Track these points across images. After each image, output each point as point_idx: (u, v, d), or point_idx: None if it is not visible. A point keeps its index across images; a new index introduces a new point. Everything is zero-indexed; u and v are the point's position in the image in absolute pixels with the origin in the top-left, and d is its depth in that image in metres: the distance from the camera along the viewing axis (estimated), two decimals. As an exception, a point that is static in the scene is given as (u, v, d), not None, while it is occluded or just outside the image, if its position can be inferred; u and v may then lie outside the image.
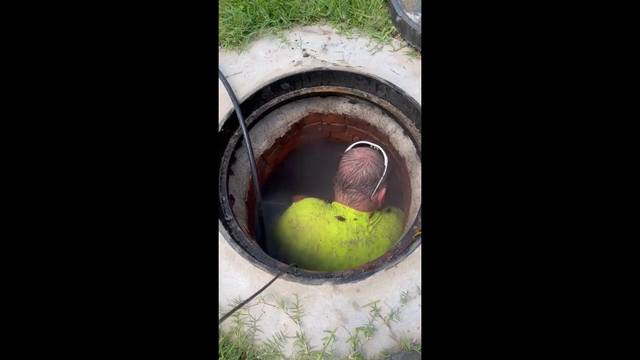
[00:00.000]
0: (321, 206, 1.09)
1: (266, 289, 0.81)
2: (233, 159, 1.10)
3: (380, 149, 1.10)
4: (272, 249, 1.14)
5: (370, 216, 1.08)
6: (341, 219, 1.05)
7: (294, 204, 1.14)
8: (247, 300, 0.65)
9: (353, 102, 1.18)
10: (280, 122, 1.21)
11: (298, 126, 1.25)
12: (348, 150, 1.12)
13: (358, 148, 1.11)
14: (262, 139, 1.19)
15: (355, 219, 1.05)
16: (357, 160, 1.05)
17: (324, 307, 0.80)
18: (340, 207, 1.08)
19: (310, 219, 1.05)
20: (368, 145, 1.12)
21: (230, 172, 1.08)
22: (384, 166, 1.07)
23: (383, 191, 1.07)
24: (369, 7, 1.16)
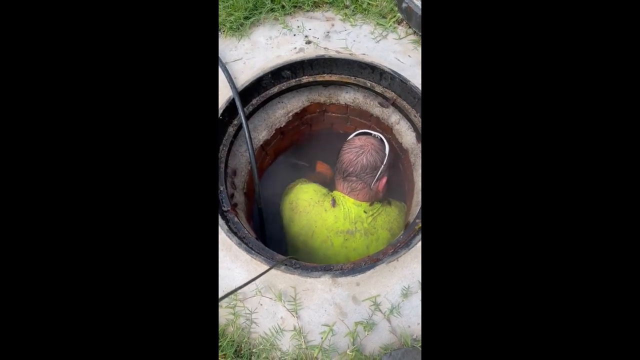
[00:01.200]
0: (322, 194, 1.08)
1: (263, 281, 0.79)
2: (231, 149, 1.07)
3: (382, 137, 1.08)
4: (270, 238, 1.12)
5: (370, 205, 1.06)
6: (334, 202, 1.03)
7: (298, 186, 1.13)
8: (242, 286, 0.63)
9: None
10: (281, 112, 1.18)
11: (299, 116, 1.22)
12: (349, 139, 1.10)
13: (359, 136, 1.09)
14: (261, 128, 1.16)
15: (354, 209, 1.03)
16: (358, 148, 1.03)
17: (322, 300, 0.78)
18: (339, 196, 1.06)
19: (308, 204, 1.04)
20: (370, 134, 1.09)
21: (228, 161, 1.05)
22: (385, 154, 1.04)
23: (384, 180, 1.05)
24: (374, -7, 1.12)
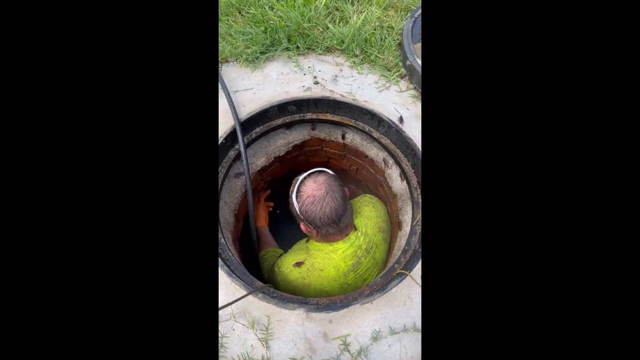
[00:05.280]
0: (301, 262, 1.02)
1: (239, 306, 0.81)
2: (229, 170, 1.12)
3: (317, 169, 1.00)
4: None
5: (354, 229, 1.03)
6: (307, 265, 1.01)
7: (280, 272, 1.03)
8: (221, 308, 0.64)
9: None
10: (282, 142, 1.23)
11: (299, 147, 1.28)
12: (304, 195, 0.94)
13: (307, 185, 0.95)
14: (261, 154, 1.22)
15: (347, 249, 1.01)
16: (330, 193, 0.93)
17: (294, 333, 0.79)
18: (325, 248, 1.01)
19: (303, 279, 1.00)
20: (312, 174, 0.98)
21: (224, 183, 1.09)
22: (335, 176, 1.00)
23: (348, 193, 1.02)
24: (383, 48, 1.21)
